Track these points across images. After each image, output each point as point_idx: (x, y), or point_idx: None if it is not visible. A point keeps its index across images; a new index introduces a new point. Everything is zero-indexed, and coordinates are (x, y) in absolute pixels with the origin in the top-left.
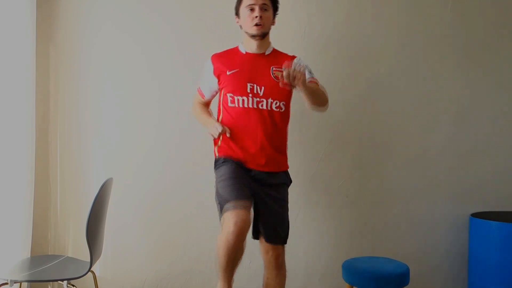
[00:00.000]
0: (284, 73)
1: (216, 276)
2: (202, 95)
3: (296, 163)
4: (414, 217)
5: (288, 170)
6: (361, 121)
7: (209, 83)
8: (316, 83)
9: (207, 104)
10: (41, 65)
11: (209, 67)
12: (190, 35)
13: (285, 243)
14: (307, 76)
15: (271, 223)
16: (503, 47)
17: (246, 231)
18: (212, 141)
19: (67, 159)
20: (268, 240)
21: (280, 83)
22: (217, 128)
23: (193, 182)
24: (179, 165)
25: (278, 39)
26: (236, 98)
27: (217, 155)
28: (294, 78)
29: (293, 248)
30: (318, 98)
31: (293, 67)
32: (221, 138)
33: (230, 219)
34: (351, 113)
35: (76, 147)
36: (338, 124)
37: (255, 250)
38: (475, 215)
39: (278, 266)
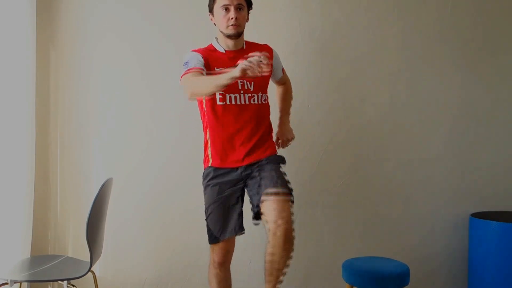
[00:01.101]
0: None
1: None
2: (199, 70)
3: (296, 163)
4: (414, 217)
5: (288, 165)
6: (361, 121)
7: (201, 62)
8: (284, 71)
9: None
10: (41, 65)
11: (196, 55)
12: (190, 36)
13: (287, 187)
14: (281, 67)
15: (265, 175)
16: (502, 48)
17: (230, 258)
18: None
19: (67, 159)
20: (267, 185)
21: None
22: (258, 58)
23: (193, 181)
24: (178, 164)
25: (278, 40)
26: (227, 96)
27: (206, 164)
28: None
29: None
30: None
31: (284, 141)
32: (209, 145)
33: (213, 252)
34: (351, 113)
35: (76, 147)
36: (338, 124)
37: (255, 250)
38: (475, 215)
39: (286, 241)
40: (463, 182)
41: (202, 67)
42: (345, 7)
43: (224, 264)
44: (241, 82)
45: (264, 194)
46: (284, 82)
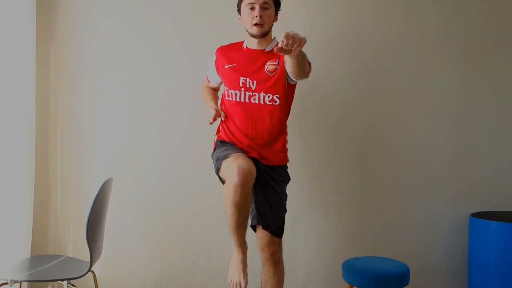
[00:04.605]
0: (284, 40)
1: (216, 276)
2: (208, 81)
3: (296, 163)
4: (414, 217)
5: (288, 165)
6: (361, 121)
7: (213, 73)
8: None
9: (215, 89)
10: (41, 64)
11: (212, 58)
12: (191, 33)
13: (278, 235)
14: None
15: (264, 207)
16: (503, 47)
17: (251, 180)
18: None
19: (67, 159)
20: (260, 223)
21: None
22: (210, 113)
23: (194, 182)
24: (180, 165)
25: (278, 39)
26: (230, 91)
27: (216, 139)
28: (294, 43)
29: (293, 248)
30: (305, 66)
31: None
32: (220, 132)
33: (232, 167)
34: (351, 113)
35: (76, 147)
36: (338, 124)
37: (255, 250)
38: (475, 215)
39: (274, 263)
40: (463, 182)
41: (212, 77)
42: (345, 7)
43: (247, 184)
44: (243, 79)
45: (261, 245)
46: None
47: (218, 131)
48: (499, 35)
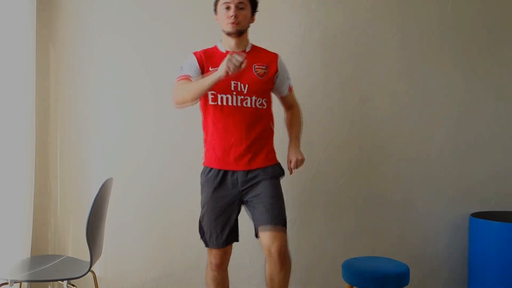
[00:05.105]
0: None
1: None
2: (188, 77)
3: None
4: (414, 217)
5: (278, 162)
6: (361, 121)
7: (194, 67)
8: (291, 90)
9: None
10: (41, 65)
11: (192, 57)
12: (189, 34)
13: (284, 225)
14: (287, 83)
15: (265, 205)
16: (503, 47)
17: (227, 260)
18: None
19: (67, 159)
20: (267, 221)
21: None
22: (237, 58)
23: (194, 181)
24: (179, 164)
25: (278, 39)
26: (219, 96)
27: (203, 161)
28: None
29: (293, 248)
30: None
31: (294, 162)
32: (205, 142)
33: (211, 255)
34: (351, 113)
35: (76, 147)
36: (338, 124)
37: (255, 251)
38: (475, 215)
39: (281, 259)
40: (463, 182)
41: (193, 74)
42: (345, 7)
43: (221, 266)
44: (234, 83)
45: (261, 228)
46: (291, 106)
47: (204, 143)
48: (499, 35)
